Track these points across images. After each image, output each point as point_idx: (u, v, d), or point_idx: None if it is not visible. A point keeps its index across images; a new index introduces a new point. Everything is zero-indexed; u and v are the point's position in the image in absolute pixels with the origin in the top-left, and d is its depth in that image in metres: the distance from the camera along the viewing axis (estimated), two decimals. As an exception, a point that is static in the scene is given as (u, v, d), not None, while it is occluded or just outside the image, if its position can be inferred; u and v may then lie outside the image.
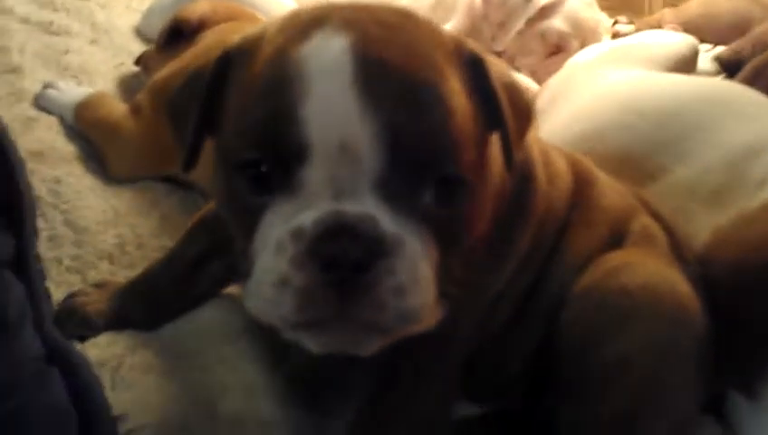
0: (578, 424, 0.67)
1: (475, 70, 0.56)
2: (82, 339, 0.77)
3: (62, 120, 1.22)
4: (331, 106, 0.48)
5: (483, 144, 0.57)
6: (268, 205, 0.51)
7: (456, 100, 0.52)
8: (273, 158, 0.50)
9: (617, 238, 0.76)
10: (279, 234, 0.49)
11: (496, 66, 0.59)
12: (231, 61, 0.58)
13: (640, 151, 1.00)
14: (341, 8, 0.56)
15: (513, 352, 0.74)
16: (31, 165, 1.06)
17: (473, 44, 0.59)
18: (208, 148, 1.17)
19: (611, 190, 0.80)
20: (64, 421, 0.71)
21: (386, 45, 0.51)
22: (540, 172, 0.70)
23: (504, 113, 0.55)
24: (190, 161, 0.61)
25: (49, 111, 1.21)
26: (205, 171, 1.13)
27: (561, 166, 0.76)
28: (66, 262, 0.87)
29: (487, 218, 0.60)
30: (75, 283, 0.83)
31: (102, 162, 1.17)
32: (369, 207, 0.47)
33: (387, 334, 0.49)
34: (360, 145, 0.47)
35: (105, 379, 0.72)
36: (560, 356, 0.70)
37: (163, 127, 1.17)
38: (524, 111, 0.60)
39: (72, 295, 0.80)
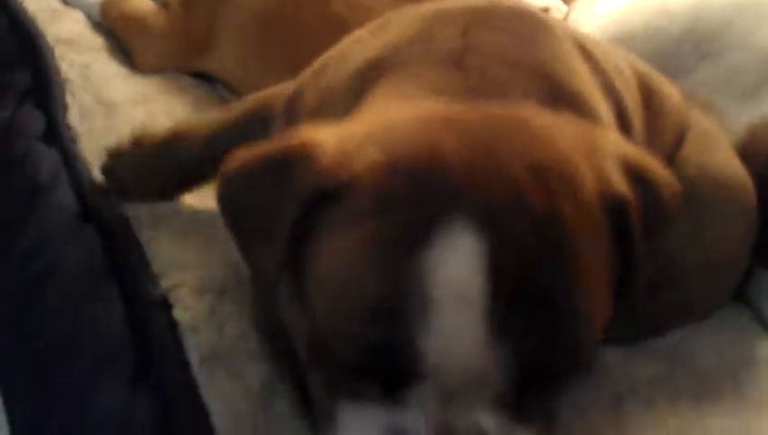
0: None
1: (619, 215, 0.46)
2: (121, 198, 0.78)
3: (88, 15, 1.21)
4: (459, 341, 0.40)
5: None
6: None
7: (596, 287, 0.43)
8: (375, 378, 0.42)
9: (680, 138, 0.74)
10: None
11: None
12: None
13: (669, 52, 1.00)
14: (477, 173, 0.43)
15: None
16: (59, 51, 1.07)
17: (618, 185, 0.47)
18: (226, 29, 1.18)
19: (669, 87, 0.77)
20: (97, 274, 0.73)
21: (525, 252, 0.41)
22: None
23: (639, 265, 0.47)
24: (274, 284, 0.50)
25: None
26: (230, 64, 1.16)
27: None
28: (97, 133, 0.87)
29: None
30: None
31: (129, 56, 1.17)
32: (481, 419, 0.41)
33: None
34: (484, 374, 0.40)
35: (144, 238, 0.73)
36: None
37: (191, 21, 1.18)
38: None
39: (111, 154, 0.80)
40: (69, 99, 0.96)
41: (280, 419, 0.59)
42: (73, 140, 0.86)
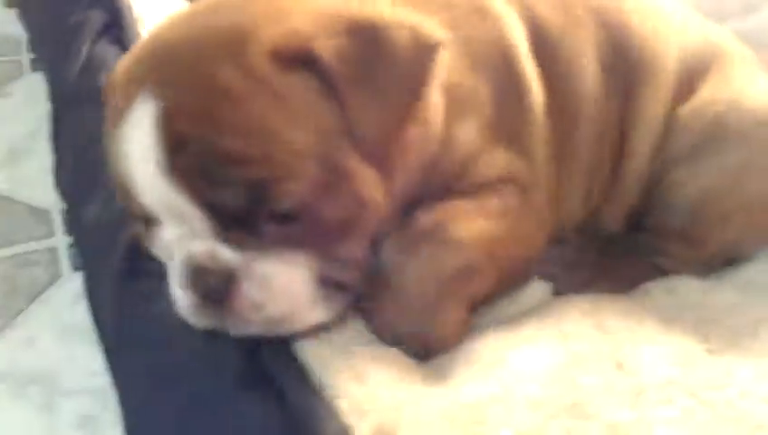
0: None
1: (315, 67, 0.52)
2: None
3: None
4: (152, 186, 0.52)
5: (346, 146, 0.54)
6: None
7: (272, 133, 0.51)
8: (136, 216, 0.56)
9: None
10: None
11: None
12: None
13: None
14: (162, 58, 0.54)
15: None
16: (131, -10, 1.09)
17: (309, 42, 0.52)
18: None
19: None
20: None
21: (189, 111, 0.51)
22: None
23: (348, 100, 0.52)
24: None
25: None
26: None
27: None
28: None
29: (382, 201, 0.56)
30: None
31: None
32: (211, 246, 0.53)
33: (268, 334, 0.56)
34: (184, 211, 0.52)
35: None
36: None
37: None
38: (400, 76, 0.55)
39: None
40: (143, 33, 0.98)
41: None
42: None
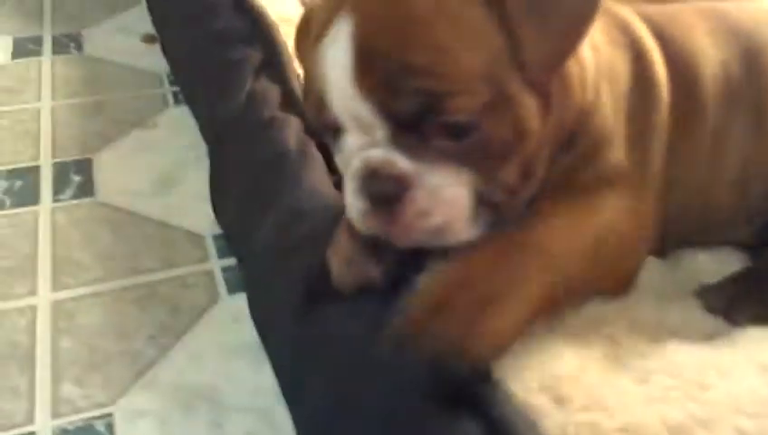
0: None
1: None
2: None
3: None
4: (343, 96, 0.59)
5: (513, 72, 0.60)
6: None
7: (451, 53, 0.58)
8: (326, 127, 0.65)
9: None
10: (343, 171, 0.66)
11: None
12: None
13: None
14: None
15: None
16: (283, 28, 1.15)
17: None
18: None
19: None
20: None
21: (380, 30, 0.58)
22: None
23: (519, 33, 0.58)
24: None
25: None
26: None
27: None
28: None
29: (539, 132, 0.62)
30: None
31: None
32: (388, 154, 0.59)
33: (425, 244, 0.62)
34: (367, 120, 0.59)
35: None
36: None
37: None
38: (566, 18, 0.60)
39: None
40: (300, 70, 1.04)
41: None
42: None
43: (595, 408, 0.55)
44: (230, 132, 1.07)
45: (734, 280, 0.73)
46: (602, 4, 0.61)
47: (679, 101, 0.72)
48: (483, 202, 0.61)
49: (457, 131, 0.59)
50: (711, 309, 0.69)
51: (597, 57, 0.67)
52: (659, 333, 0.65)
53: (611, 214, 0.66)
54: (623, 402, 0.56)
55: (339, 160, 0.66)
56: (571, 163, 0.67)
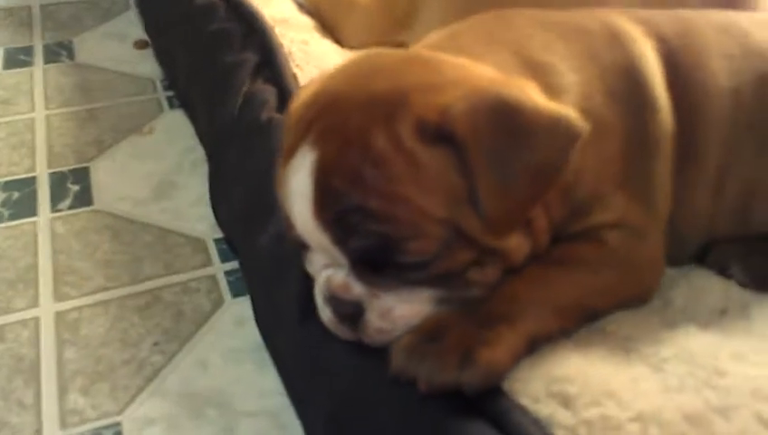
0: None
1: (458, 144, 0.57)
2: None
3: (292, -1, 1.29)
4: (304, 223, 0.60)
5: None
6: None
7: (406, 198, 0.57)
8: (296, 242, 0.65)
9: None
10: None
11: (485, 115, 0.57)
12: None
13: None
14: (327, 109, 0.61)
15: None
16: (279, 30, 1.14)
17: (451, 121, 0.57)
18: (429, 3, 1.23)
19: None
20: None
21: (338, 168, 0.58)
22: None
23: (478, 180, 0.57)
24: None
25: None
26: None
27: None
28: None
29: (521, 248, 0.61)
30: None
31: (333, 34, 1.23)
32: (346, 278, 0.61)
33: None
34: (330, 249, 0.60)
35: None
36: None
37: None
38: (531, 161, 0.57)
39: None
40: (296, 70, 1.04)
41: None
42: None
43: (605, 401, 0.55)
44: (228, 135, 1.07)
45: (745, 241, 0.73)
46: (573, 154, 0.58)
47: (683, 136, 0.70)
48: (450, 301, 0.61)
49: (410, 268, 0.59)
50: (719, 267, 0.71)
51: (587, 106, 0.64)
52: (667, 316, 0.64)
53: (603, 262, 0.65)
54: (636, 392, 0.56)
55: (308, 268, 0.67)
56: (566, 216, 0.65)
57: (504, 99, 0.58)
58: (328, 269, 0.63)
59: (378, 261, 0.59)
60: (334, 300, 0.63)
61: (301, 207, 0.60)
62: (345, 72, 0.65)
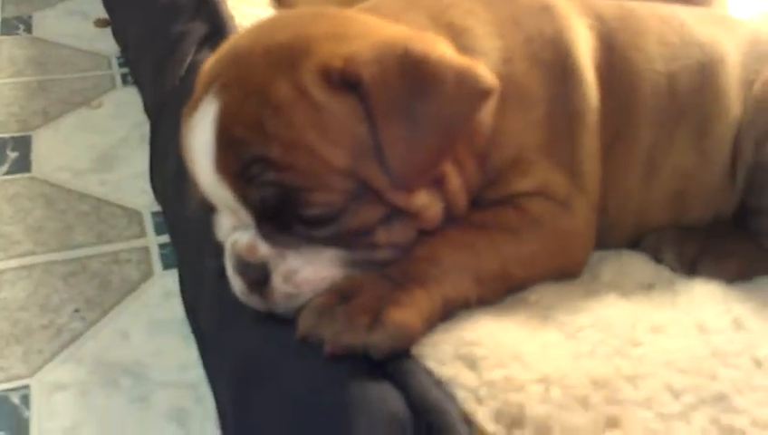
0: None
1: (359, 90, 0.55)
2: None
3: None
4: (207, 180, 0.57)
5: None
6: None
7: (309, 147, 0.54)
8: (203, 204, 0.62)
9: None
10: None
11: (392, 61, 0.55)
12: None
13: None
14: (231, 62, 0.59)
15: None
16: (231, 3, 1.12)
17: (356, 67, 0.55)
18: None
19: None
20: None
21: (239, 118, 0.55)
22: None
23: (382, 130, 0.54)
24: None
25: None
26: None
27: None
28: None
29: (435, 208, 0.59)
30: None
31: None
32: (252, 239, 0.58)
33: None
34: (233, 205, 0.57)
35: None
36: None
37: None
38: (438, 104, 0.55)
39: None
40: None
41: None
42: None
43: (511, 363, 0.53)
44: (168, 106, 1.04)
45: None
46: (480, 109, 0.57)
47: (616, 115, 0.69)
48: (358, 264, 0.58)
49: (315, 222, 0.56)
50: (652, 252, 0.70)
51: (505, 86, 0.60)
52: (592, 288, 0.63)
53: (520, 229, 0.62)
54: (545, 356, 0.54)
55: (217, 235, 0.63)
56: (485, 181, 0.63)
57: (411, 49, 0.56)
58: (235, 233, 0.60)
59: (282, 216, 0.56)
60: (242, 265, 0.59)
61: (203, 161, 0.57)
62: (254, 29, 0.63)
